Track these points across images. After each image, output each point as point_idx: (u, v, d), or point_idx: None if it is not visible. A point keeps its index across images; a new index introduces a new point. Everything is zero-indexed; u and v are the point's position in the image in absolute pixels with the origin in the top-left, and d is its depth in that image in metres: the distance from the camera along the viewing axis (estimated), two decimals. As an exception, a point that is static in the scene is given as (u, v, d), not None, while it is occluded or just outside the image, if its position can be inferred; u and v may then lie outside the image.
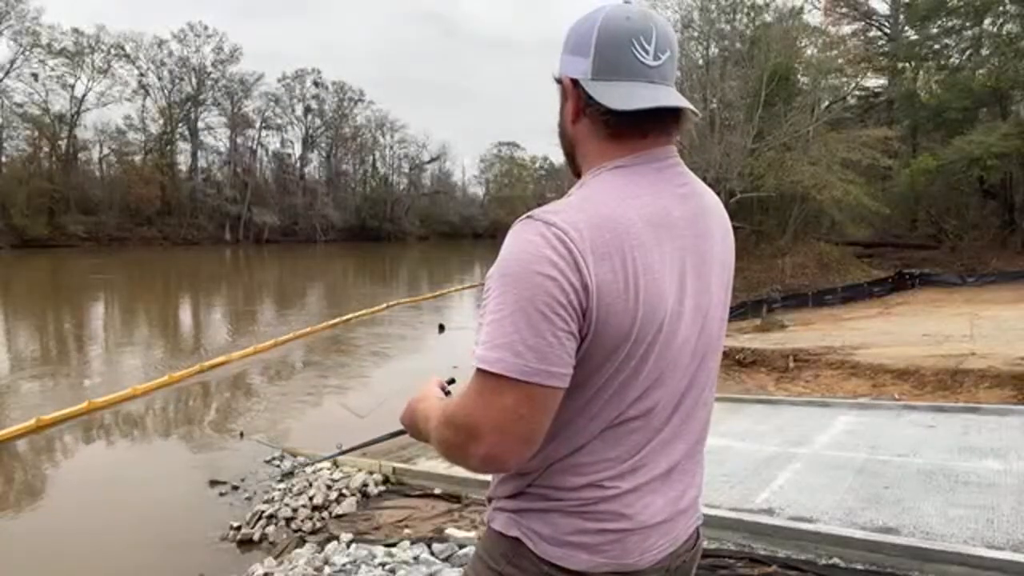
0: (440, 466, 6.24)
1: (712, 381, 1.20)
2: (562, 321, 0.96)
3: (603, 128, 1.09)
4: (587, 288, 0.97)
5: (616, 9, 1.08)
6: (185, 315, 21.51)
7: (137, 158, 57.61)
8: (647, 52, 1.06)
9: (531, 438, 1.00)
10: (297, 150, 69.23)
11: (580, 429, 1.07)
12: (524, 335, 0.95)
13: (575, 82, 1.09)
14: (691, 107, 1.09)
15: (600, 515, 1.08)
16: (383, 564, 4.16)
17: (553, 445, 1.07)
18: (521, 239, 0.99)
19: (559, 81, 1.13)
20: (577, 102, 1.10)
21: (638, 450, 1.10)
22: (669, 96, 1.07)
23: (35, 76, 51.33)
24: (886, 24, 34.81)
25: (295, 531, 5.15)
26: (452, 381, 1.31)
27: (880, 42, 34.03)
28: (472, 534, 4.45)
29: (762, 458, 5.81)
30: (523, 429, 0.98)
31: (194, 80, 60.20)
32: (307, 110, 68.18)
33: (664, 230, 1.05)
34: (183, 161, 62.17)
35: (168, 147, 59.88)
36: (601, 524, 1.08)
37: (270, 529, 5.21)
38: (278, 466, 6.71)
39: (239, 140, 64.40)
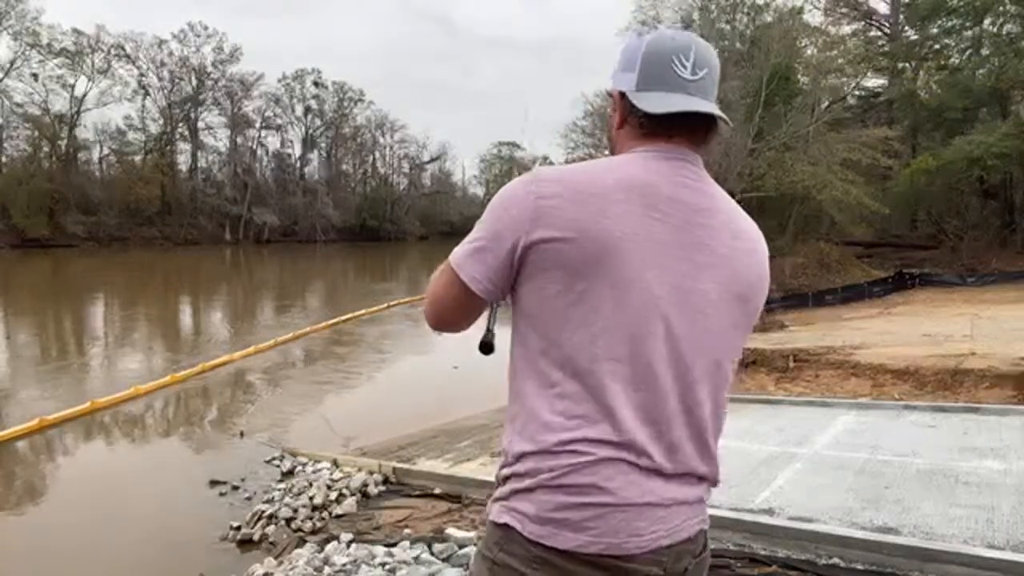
0: (440, 466, 6.25)
1: (716, 379, 1.21)
2: (500, 243, 1.16)
3: (638, 131, 1.23)
4: (537, 214, 1.13)
5: (662, 31, 1.25)
6: (186, 315, 21.52)
7: (137, 158, 57.63)
8: (685, 67, 1.18)
9: (442, 315, 1.28)
10: (297, 150, 69.36)
11: (539, 362, 1.16)
12: (478, 244, 1.19)
13: (623, 94, 1.24)
14: (722, 115, 1.20)
15: (580, 489, 1.10)
16: (383, 564, 4.16)
17: (520, 380, 1.19)
18: (514, 181, 1.20)
19: (611, 95, 1.29)
20: (623, 112, 1.25)
21: (609, 412, 1.12)
22: (700, 105, 1.18)
23: (35, 76, 51.40)
24: (886, 24, 34.82)
25: (295, 531, 5.14)
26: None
27: (880, 42, 34.03)
28: (472, 534, 4.45)
29: (762, 458, 5.81)
30: (441, 306, 1.27)
31: (194, 80, 60.21)
32: (307, 110, 68.25)
33: (638, 195, 1.15)
34: (183, 161, 62.25)
35: (168, 147, 59.88)
36: (581, 498, 1.10)
37: (270, 529, 5.21)
38: (278, 466, 6.71)
39: (239, 140, 64.44)
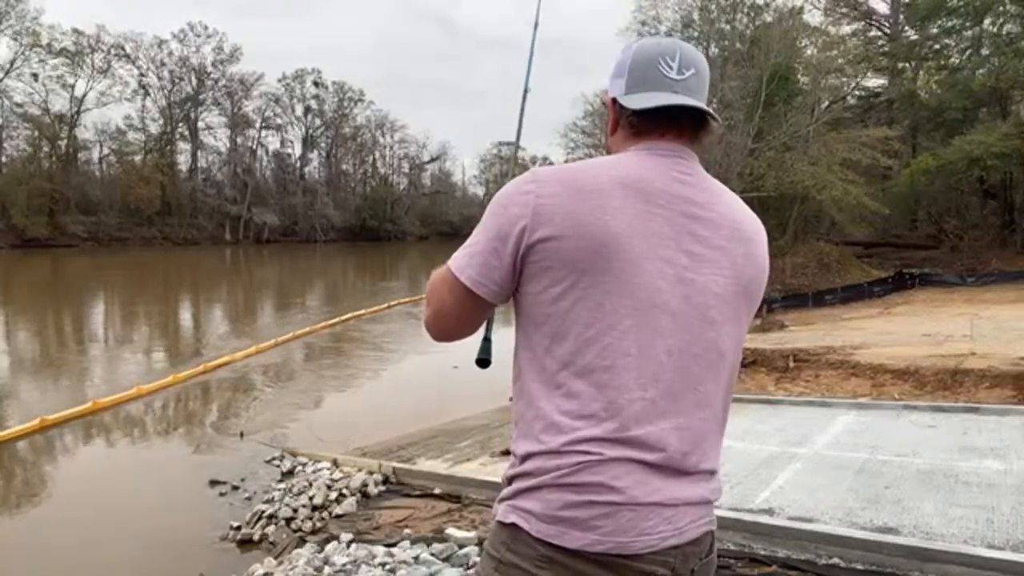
0: (440, 466, 6.25)
1: (721, 372, 1.22)
2: (502, 244, 1.16)
3: (629, 131, 1.26)
4: (537, 212, 1.14)
5: (649, 38, 1.30)
6: (187, 315, 21.50)
7: (137, 158, 57.63)
8: (671, 67, 1.23)
9: (446, 325, 1.27)
10: (297, 150, 69.40)
11: (545, 361, 1.16)
12: (478, 247, 1.19)
13: (615, 100, 1.27)
14: (708, 110, 1.22)
15: (588, 487, 1.10)
16: (383, 564, 4.16)
17: (525, 380, 1.19)
18: (512, 181, 1.21)
19: (605, 104, 1.33)
20: (615, 116, 1.29)
21: (617, 409, 1.12)
22: (684, 100, 1.21)
23: (35, 76, 51.42)
24: (886, 24, 34.84)
25: (295, 531, 5.14)
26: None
27: (880, 42, 34.05)
28: (472, 534, 4.45)
29: (762, 458, 5.81)
30: (442, 313, 1.25)
31: (194, 80, 60.26)
32: (307, 110, 68.28)
33: (634, 191, 1.16)
34: (183, 161, 62.28)
35: (168, 147, 59.91)
36: (589, 496, 1.10)
37: (270, 529, 5.21)
38: (278, 466, 6.71)
39: (239, 140, 64.47)
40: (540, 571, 1.11)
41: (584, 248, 1.12)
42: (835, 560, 3.88)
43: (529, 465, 1.15)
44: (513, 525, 1.15)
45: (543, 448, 1.13)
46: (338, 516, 5.30)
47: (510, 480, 1.19)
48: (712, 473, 1.22)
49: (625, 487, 1.10)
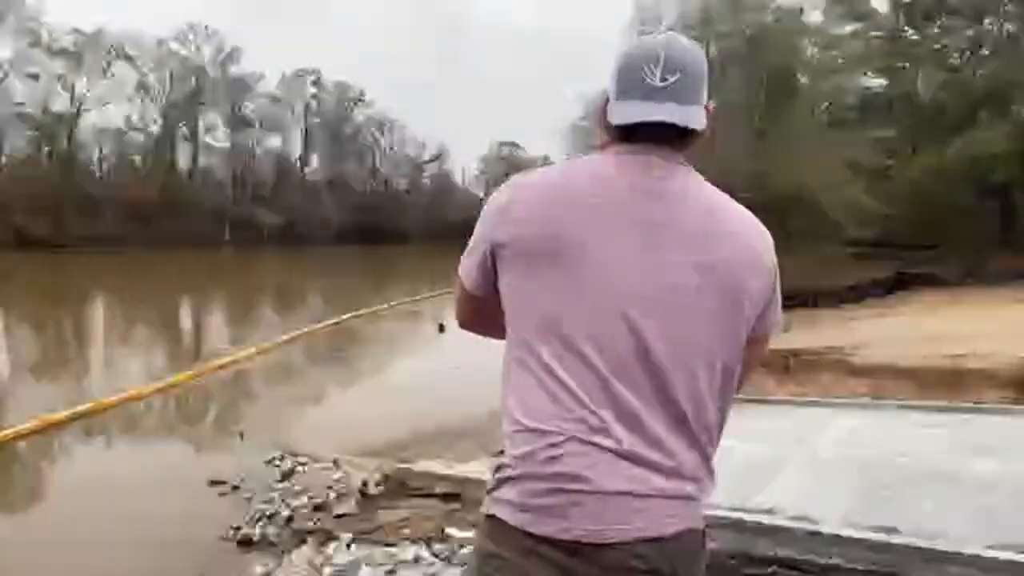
0: (440, 466, 6.25)
1: (700, 365, 1.20)
2: (484, 244, 1.29)
3: (612, 133, 1.33)
4: (506, 211, 1.26)
5: (639, 40, 1.33)
6: (187, 316, 21.51)
7: (137, 158, 57.59)
8: (654, 74, 1.24)
9: (464, 317, 1.45)
10: (297, 150, 69.32)
11: (524, 356, 1.22)
12: (469, 248, 1.34)
13: (607, 101, 1.34)
14: (676, 122, 1.22)
15: (557, 476, 1.14)
16: (383, 564, 4.16)
17: (504, 378, 1.26)
18: (498, 190, 1.33)
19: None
20: (601, 117, 1.36)
21: (582, 395, 1.15)
22: (654, 113, 1.23)
23: (35, 76, 51.34)
24: (886, 24, 34.80)
25: (295, 531, 5.15)
26: None
27: (880, 42, 34.02)
28: (472, 534, 4.45)
29: (762, 458, 5.80)
30: (459, 307, 1.44)
31: (194, 80, 60.21)
32: (307, 110, 68.22)
33: (604, 188, 1.24)
34: (183, 161, 62.22)
35: (168, 147, 59.86)
36: (558, 484, 1.14)
37: (270, 529, 5.21)
38: (278, 466, 6.72)
39: (239, 140, 64.44)
40: (517, 559, 1.15)
41: (550, 237, 1.20)
42: (835, 560, 3.88)
43: (506, 457, 1.20)
44: (494, 516, 1.19)
45: (518, 440, 1.18)
46: (338, 516, 5.30)
47: (494, 474, 1.24)
48: (688, 474, 1.20)
49: (593, 477, 1.13)
